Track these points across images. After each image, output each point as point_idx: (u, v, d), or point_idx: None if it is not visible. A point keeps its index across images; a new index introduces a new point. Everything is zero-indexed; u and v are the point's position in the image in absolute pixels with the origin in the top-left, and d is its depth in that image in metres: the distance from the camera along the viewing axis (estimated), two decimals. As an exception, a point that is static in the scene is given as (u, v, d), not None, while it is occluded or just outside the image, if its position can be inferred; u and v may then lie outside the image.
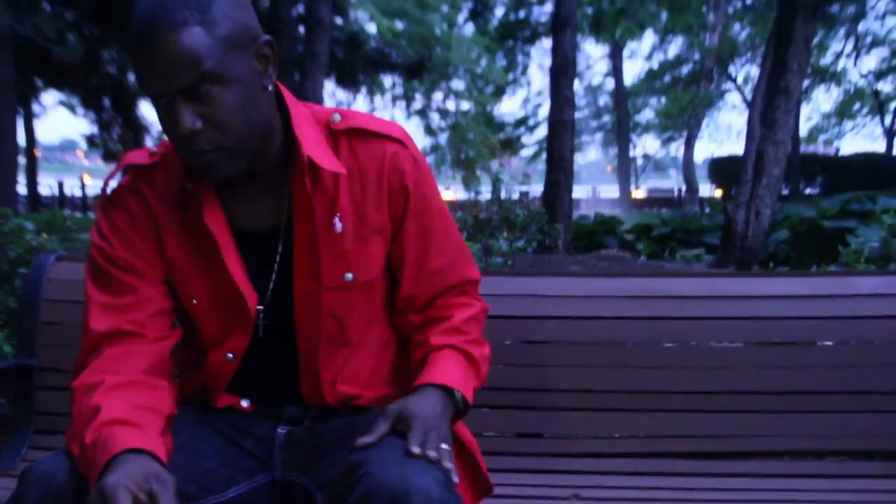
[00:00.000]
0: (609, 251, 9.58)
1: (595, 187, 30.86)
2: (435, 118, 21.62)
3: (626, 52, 24.61)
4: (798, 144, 22.97)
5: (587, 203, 26.80)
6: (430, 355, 1.46)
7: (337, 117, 1.42)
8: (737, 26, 21.29)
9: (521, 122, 24.99)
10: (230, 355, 1.46)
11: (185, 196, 1.40)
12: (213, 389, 1.51)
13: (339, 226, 1.40)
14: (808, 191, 23.67)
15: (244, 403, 1.51)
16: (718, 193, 24.02)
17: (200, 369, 1.52)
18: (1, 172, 9.94)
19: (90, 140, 16.10)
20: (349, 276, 1.42)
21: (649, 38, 23.57)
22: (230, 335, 1.45)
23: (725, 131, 29.28)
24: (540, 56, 22.01)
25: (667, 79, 24.27)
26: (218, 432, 1.49)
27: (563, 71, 11.59)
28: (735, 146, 26.69)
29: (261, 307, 1.44)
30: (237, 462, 1.49)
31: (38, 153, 21.74)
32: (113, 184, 1.44)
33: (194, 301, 1.44)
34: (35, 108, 17.58)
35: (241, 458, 1.50)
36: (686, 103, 22.61)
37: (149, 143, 16.82)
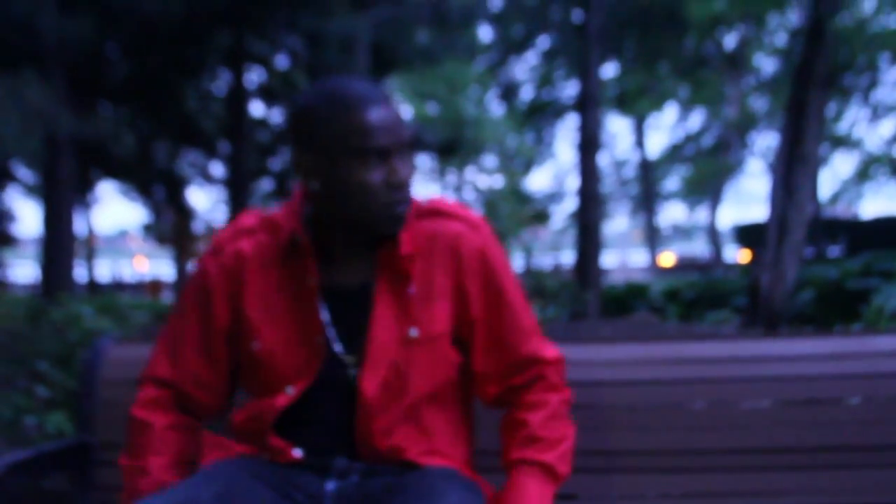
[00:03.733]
0: (639, 315, 9.99)
1: (624, 255, 31.37)
2: (467, 193, 22.31)
3: (649, 122, 25.31)
4: (820, 208, 23.32)
5: (617, 271, 27.25)
6: (510, 473, 1.57)
7: (424, 200, 1.62)
8: (755, 97, 21.87)
9: (551, 196, 25.68)
10: (290, 389, 1.55)
11: (287, 252, 1.57)
12: (263, 429, 1.57)
13: (412, 290, 1.56)
14: (831, 253, 23.90)
15: (296, 453, 1.55)
16: (744, 257, 24.40)
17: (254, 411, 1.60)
18: (61, 261, 10.62)
19: (146, 227, 16.84)
20: (414, 331, 1.54)
21: (672, 109, 24.20)
22: (297, 377, 1.55)
23: (749, 196, 29.58)
24: (567, 129, 22.62)
25: (690, 149, 24.88)
26: (270, 486, 1.52)
27: (589, 147, 12.23)
28: (759, 210, 27.02)
29: (348, 355, 1.56)
30: None
31: (95, 241, 22.61)
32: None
33: (262, 347, 1.56)
34: (91, 197, 18.32)
35: None
36: (709, 173, 23.14)
37: (198, 226, 17.56)
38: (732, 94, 20.66)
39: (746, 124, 21.36)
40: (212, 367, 1.63)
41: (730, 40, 19.75)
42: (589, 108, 12.20)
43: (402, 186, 1.48)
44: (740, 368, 2.01)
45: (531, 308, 1.67)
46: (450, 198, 1.70)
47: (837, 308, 8.70)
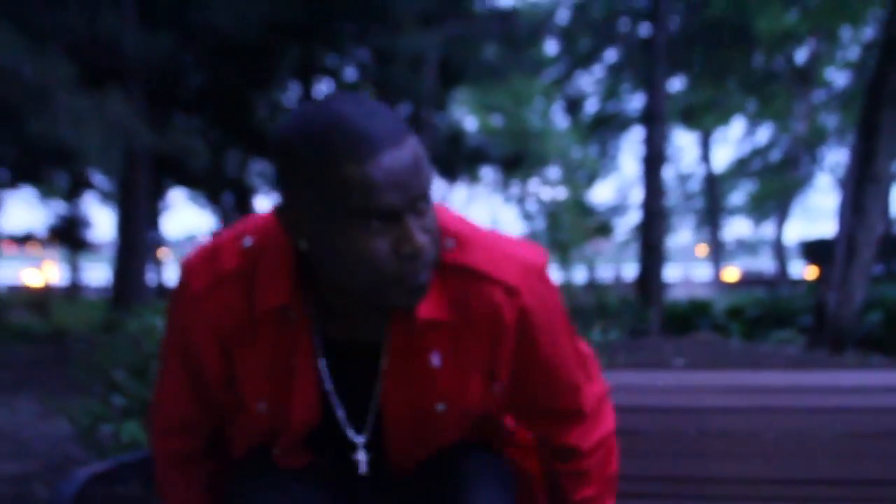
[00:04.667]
0: (701, 334, 9.95)
1: (687, 269, 31.09)
2: (531, 205, 22.39)
3: (716, 135, 25.08)
4: (891, 225, 22.84)
5: (680, 286, 26.95)
6: None
7: (450, 243, 1.27)
8: (825, 111, 21.55)
9: (614, 209, 25.63)
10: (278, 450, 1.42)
11: (279, 316, 1.28)
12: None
13: (436, 361, 1.29)
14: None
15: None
16: (811, 273, 23.98)
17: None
18: (133, 266, 11.00)
19: (213, 234, 17.24)
20: (440, 406, 1.32)
21: (740, 123, 23.96)
22: (282, 441, 1.39)
23: (817, 212, 29.06)
24: (632, 142, 22.57)
25: (757, 164, 24.58)
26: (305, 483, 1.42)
27: (654, 163, 12.23)
28: (827, 226, 26.54)
29: (357, 435, 1.39)
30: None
31: (166, 248, 23.22)
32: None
33: (261, 406, 1.34)
34: (162, 204, 18.85)
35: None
36: (776, 189, 22.83)
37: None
38: (801, 109, 20.36)
39: (816, 140, 21.05)
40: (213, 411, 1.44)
41: (800, 54, 19.49)
42: (654, 123, 12.20)
43: (418, 255, 1.12)
44: (808, 398, 1.98)
45: (575, 358, 1.43)
46: (486, 230, 1.34)
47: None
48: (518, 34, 11.25)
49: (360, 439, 1.37)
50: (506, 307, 1.26)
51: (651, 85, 12.31)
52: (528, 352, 1.33)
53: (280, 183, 1.16)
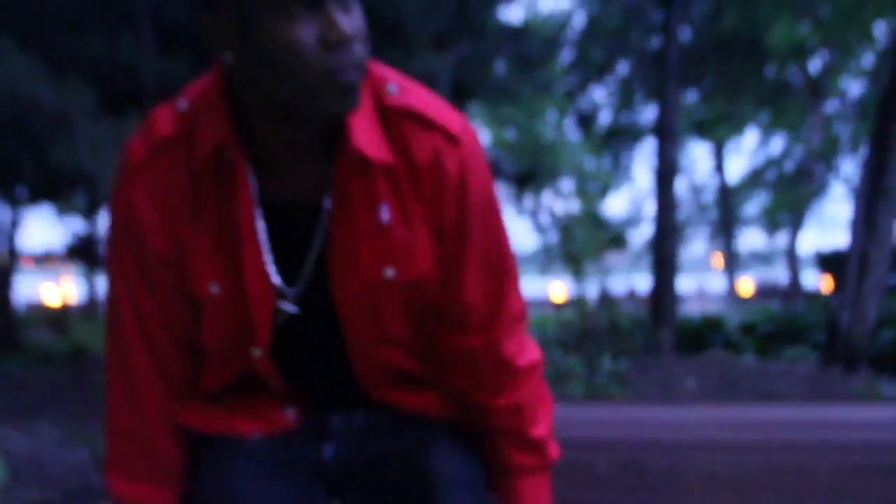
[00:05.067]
0: (714, 353, 9.98)
1: (701, 281, 31.02)
2: (544, 217, 22.44)
3: (729, 146, 25.07)
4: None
5: (694, 299, 26.93)
6: (515, 484, 1.43)
7: (393, 88, 1.23)
8: (840, 121, 21.53)
9: (628, 220, 25.66)
10: (258, 351, 1.30)
11: (217, 162, 1.20)
12: (249, 392, 1.38)
13: (385, 215, 1.22)
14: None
15: (289, 415, 1.38)
16: (826, 284, 23.91)
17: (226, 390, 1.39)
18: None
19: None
20: (390, 272, 1.24)
21: (753, 133, 23.96)
22: (254, 329, 1.27)
23: (832, 221, 28.92)
24: (645, 153, 22.61)
25: (771, 174, 24.56)
26: (272, 469, 1.38)
27: (666, 179, 12.24)
28: (842, 236, 26.50)
29: (288, 291, 1.28)
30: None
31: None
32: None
33: (214, 288, 1.24)
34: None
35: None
36: (790, 200, 22.82)
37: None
38: (815, 120, 20.34)
39: (830, 151, 21.03)
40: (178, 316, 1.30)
41: (813, 65, 19.48)
42: (666, 139, 12.22)
43: (345, 44, 1.08)
44: (819, 432, 2.01)
45: (511, 247, 1.37)
46: (422, 90, 1.28)
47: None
48: (530, 52, 11.32)
49: (292, 309, 1.29)
50: (448, 156, 1.23)
51: (663, 99, 12.33)
52: (465, 220, 1.26)
53: (205, 2, 1.13)
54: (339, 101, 1.10)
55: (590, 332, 8.73)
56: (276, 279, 1.25)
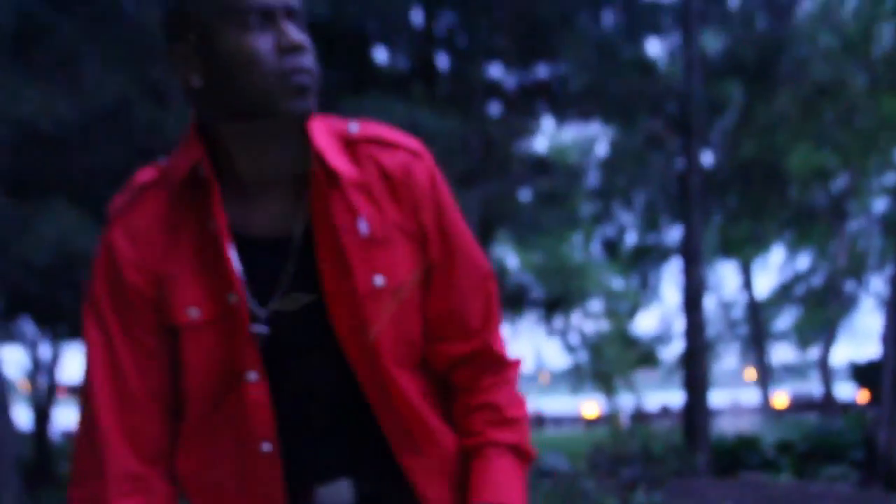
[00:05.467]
0: (750, 475, 9.95)
1: (735, 394, 30.68)
2: (573, 338, 22.53)
3: (757, 262, 25.23)
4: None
5: (728, 413, 26.64)
6: (481, 455, 1.38)
7: (354, 127, 1.34)
8: (866, 235, 21.70)
9: (657, 339, 25.67)
10: (252, 375, 1.26)
11: (192, 185, 1.26)
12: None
13: (363, 227, 1.28)
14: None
15: (265, 447, 1.28)
16: (863, 397, 23.56)
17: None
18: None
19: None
20: (378, 279, 1.28)
21: (780, 250, 24.14)
22: (242, 352, 1.26)
23: (865, 333, 28.70)
24: (673, 271, 22.82)
25: (800, 288, 24.62)
26: None
27: (693, 303, 12.41)
28: (875, 347, 26.30)
29: (260, 312, 1.28)
30: None
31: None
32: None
33: (193, 313, 1.25)
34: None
35: None
36: (819, 318, 22.84)
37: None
38: (841, 239, 20.56)
39: (857, 267, 21.14)
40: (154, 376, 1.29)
41: (835, 185, 19.79)
42: (692, 261, 12.42)
43: (298, 49, 1.20)
44: None
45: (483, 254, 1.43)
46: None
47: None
48: (555, 185, 11.70)
49: (262, 312, 1.28)
50: (417, 168, 1.32)
51: (687, 222, 12.58)
52: (446, 230, 1.34)
53: (169, 36, 1.25)
54: (295, 102, 1.20)
55: (623, 458, 8.75)
56: (252, 302, 1.27)
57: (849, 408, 21.68)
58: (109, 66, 7.73)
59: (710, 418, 13.07)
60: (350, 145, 1.31)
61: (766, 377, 27.36)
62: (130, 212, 1.28)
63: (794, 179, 15.75)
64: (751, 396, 29.66)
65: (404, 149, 1.33)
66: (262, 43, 1.18)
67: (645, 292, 23.20)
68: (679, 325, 19.98)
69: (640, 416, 20.43)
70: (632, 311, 24.04)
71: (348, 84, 9.89)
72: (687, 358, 12.72)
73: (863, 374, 25.65)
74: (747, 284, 25.04)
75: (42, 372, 15.04)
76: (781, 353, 29.33)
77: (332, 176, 1.26)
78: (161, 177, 1.29)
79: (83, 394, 1.29)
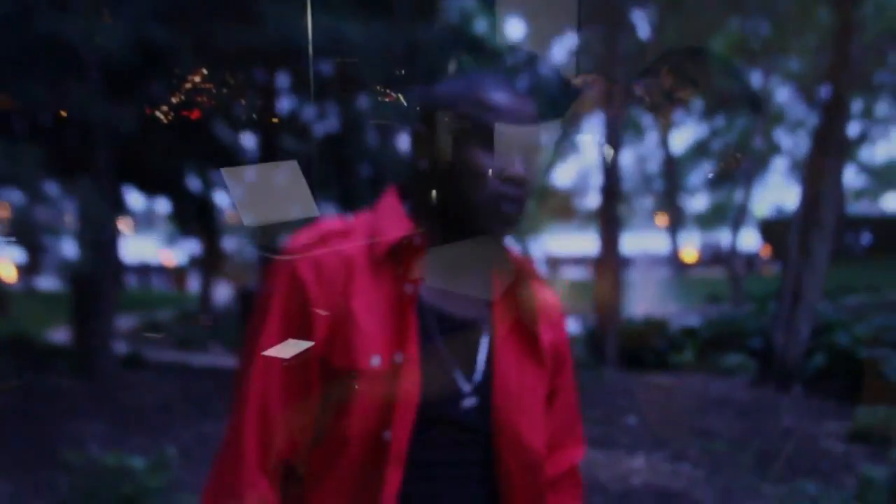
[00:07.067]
0: (658, 378, 10.25)
1: (646, 243, 31.28)
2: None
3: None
4: (844, 201, 23.19)
5: (639, 264, 27.27)
6: None
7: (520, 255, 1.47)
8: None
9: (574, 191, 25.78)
10: (387, 434, 1.29)
11: (396, 249, 1.33)
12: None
13: (537, 328, 1.41)
14: (856, 250, 23.83)
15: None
16: (766, 252, 24.58)
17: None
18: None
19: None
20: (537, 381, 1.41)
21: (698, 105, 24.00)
22: (397, 409, 1.29)
23: (775, 190, 29.42)
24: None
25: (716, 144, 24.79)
26: None
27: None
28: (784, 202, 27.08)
29: (466, 385, 1.36)
30: None
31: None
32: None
33: (375, 360, 1.29)
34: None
35: None
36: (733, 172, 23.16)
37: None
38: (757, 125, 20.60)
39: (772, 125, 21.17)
40: (303, 411, 1.33)
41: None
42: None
43: (516, 182, 1.29)
44: None
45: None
46: None
47: (848, 376, 8.81)
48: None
49: (467, 387, 1.36)
50: (559, 309, 1.49)
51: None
52: (568, 370, 1.51)
53: (421, 118, 1.35)
54: (498, 224, 1.31)
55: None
56: (454, 366, 1.35)
57: (753, 261, 22.49)
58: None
59: (622, 297, 13.49)
60: (519, 273, 1.40)
61: (677, 224, 28.01)
62: (316, 250, 1.32)
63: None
64: (661, 244, 30.28)
65: (550, 288, 1.46)
66: (491, 163, 1.27)
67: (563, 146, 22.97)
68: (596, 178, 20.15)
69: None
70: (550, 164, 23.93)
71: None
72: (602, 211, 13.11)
73: (768, 229, 26.59)
74: (664, 141, 25.12)
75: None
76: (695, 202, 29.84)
77: (519, 272, 1.39)
78: (348, 228, 1.35)
79: (239, 397, 1.32)
